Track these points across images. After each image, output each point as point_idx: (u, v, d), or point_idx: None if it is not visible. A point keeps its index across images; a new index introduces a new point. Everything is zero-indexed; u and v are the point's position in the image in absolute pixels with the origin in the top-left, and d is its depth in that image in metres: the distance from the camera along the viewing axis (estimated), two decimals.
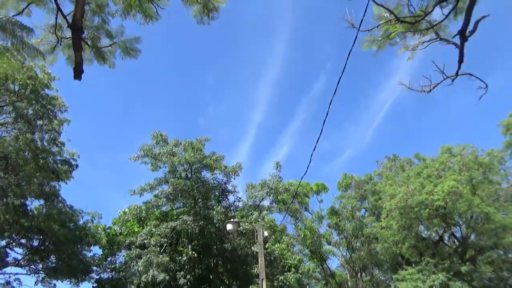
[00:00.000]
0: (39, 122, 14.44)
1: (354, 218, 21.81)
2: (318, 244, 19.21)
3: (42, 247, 13.03)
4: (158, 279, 11.70)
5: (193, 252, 13.90)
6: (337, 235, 22.53)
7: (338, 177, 24.40)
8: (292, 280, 11.14)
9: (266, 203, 16.30)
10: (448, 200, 15.35)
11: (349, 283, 20.64)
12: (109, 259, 15.28)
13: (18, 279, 14.48)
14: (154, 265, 12.07)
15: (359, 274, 21.55)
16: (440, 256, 16.45)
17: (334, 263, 39.43)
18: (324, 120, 6.72)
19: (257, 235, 10.56)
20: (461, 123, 56.55)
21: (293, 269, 11.73)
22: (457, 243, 18.15)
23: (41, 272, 13.61)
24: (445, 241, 18.68)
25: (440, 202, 15.15)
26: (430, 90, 4.91)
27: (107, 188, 60.89)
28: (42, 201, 14.66)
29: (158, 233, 13.21)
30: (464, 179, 16.36)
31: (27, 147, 13.55)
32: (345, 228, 21.54)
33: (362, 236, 20.73)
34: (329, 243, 22.30)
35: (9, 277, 14.76)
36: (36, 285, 13.63)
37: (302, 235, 19.58)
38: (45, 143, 14.73)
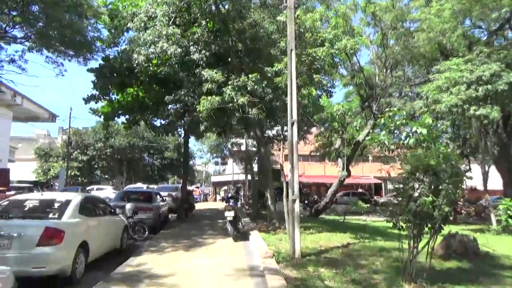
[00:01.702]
0: None
1: (395, 8, 18.54)
2: (350, 33, 16.46)
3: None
4: (169, 51, 10.08)
5: (208, 28, 11.90)
6: (372, 28, 19.80)
7: None
8: (323, 54, 9.29)
9: None
10: None
11: (377, 78, 19.16)
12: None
13: (22, 56, 13.32)
14: (164, 37, 10.31)
15: (389, 71, 19.83)
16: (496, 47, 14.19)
17: (363, 59, 38.12)
18: None
19: None
20: None
21: (327, 44, 9.78)
22: None
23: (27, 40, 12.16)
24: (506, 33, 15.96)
25: None
26: None
27: None
28: None
29: (166, 0, 10.86)
30: None
31: None
32: (382, 18, 18.53)
33: (402, 27, 18.06)
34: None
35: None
36: (27, 52, 12.34)
37: (333, 23, 16.34)
38: None
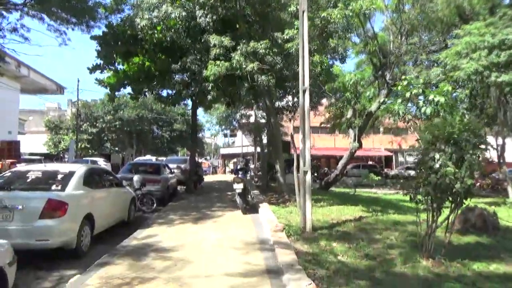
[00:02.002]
0: None
1: None
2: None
3: None
4: (172, 14, 9.55)
5: None
6: None
7: None
8: (337, 16, 8.68)
9: None
10: None
11: (391, 45, 18.29)
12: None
13: (20, 19, 12.88)
14: (168, 1, 9.75)
15: (404, 37, 18.90)
16: None
17: (377, 26, 36.57)
18: None
19: None
20: None
21: (340, 5, 9.11)
22: None
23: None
24: None
25: None
26: None
27: None
28: None
29: None
30: None
31: None
32: None
33: None
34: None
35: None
36: (25, 17, 11.88)
37: None
38: None
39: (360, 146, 19.85)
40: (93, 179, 7.07)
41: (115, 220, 7.86)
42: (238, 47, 9.59)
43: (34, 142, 40.00)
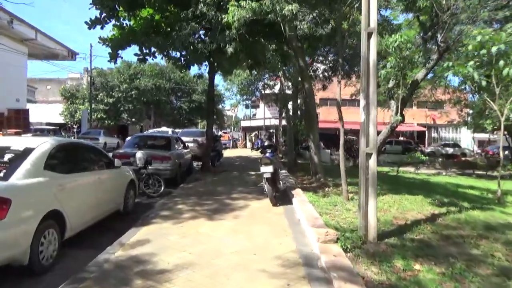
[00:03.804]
0: None
1: None
2: None
3: None
4: None
5: None
6: None
7: None
8: None
9: None
10: None
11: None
12: None
13: None
14: None
15: None
16: None
17: None
18: None
19: None
20: None
21: None
22: None
23: None
24: None
25: None
26: None
27: None
28: None
29: None
30: None
31: None
32: None
33: None
34: None
35: None
36: None
37: None
38: None
39: (403, 119, 17.20)
40: (64, 160, 5.00)
41: (104, 213, 5.87)
42: None
43: (51, 111, 38.90)
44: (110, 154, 10.12)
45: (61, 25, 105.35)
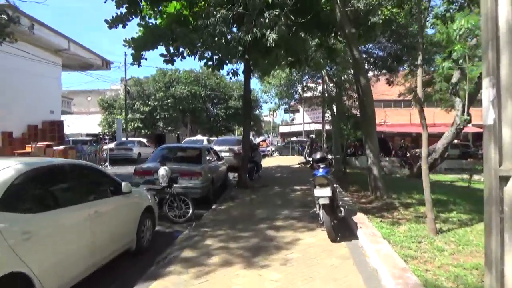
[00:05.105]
0: None
1: None
2: None
3: None
4: None
5: None
6: None
7: None
8: None
9: None
10: None
11: None
12: None
13: None
14: None
15: None
16: None
17: None
18: None
19: None
20: None
21: None
22: None
23: None
24: None
25: None
26: None
27: None
28: None
29: None
30: None
31: None
32: None
33: None
34: None
35: None
36: None
37: None
38: None
39: (470, 120, 14.64)
40: (36, 192, 3.49)
41: (105, 259, 4.30)
42: None
43: (91, 122, 39.30)
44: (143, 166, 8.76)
45: (99, 37, 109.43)
